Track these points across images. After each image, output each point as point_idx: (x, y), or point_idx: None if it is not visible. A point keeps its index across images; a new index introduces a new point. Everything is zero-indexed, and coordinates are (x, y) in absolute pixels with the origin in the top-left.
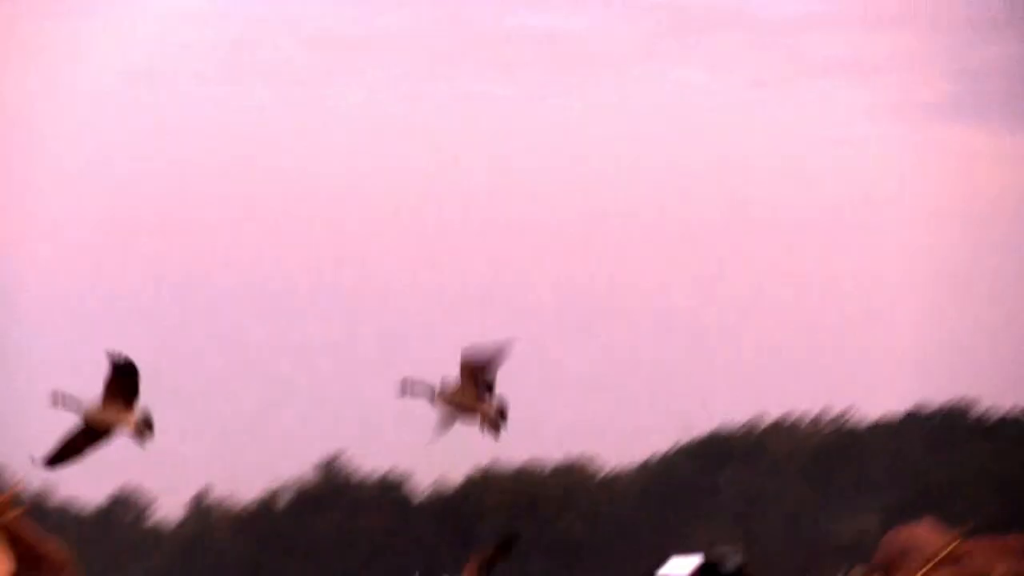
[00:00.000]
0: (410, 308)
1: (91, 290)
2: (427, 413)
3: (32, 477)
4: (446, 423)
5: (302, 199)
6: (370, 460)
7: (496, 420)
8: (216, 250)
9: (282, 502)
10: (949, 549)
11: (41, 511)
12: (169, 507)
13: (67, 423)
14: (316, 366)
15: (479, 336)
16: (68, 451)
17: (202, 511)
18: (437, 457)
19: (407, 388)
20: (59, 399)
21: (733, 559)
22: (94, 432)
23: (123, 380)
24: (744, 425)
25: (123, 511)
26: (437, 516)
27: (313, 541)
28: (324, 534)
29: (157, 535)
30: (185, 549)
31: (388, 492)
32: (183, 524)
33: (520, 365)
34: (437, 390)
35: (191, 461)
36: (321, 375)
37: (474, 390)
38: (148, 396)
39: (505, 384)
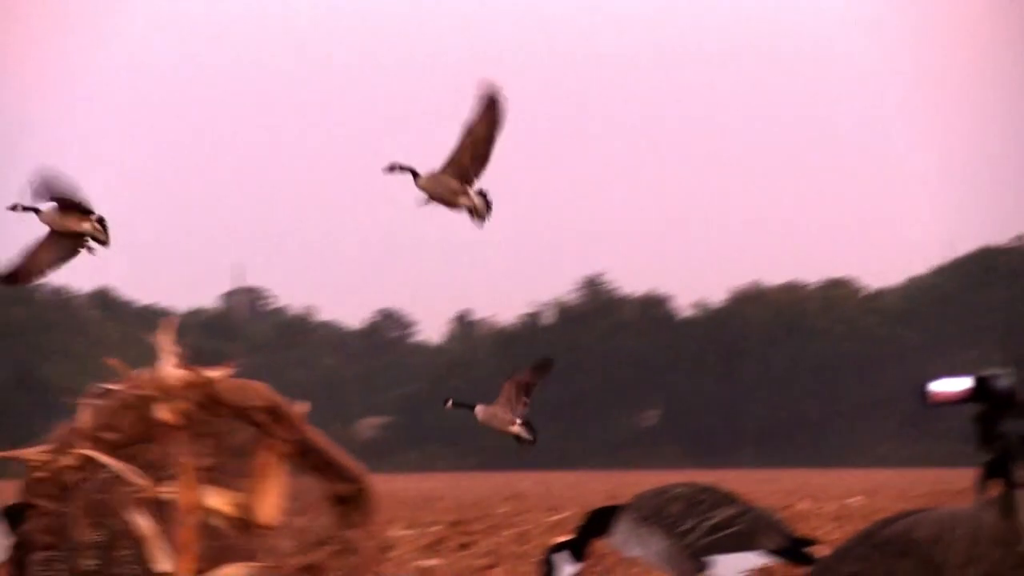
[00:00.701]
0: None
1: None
2: (685, 236)
3: (293, 298)
4: (427, 203)
5: None
6: (632, 281)
7: (481, 209)
8: None
9: (545, 321)
10: None
11: (304, 327)
12: (432, 327)
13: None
14: (575, 188)
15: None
16: (36, 261)
17: (465, 329)
18: (699, 277)
19: (393, 168)
20: (18, 207)
21: (1004, 379)
22: (60, 239)
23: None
24: (1012, 240)
25: (387, 328)
26: (701, 333)
27: (576, 359)
28: (587, 352)
29: (422, 352)
30: (449, 365)
31: (650, 309)
32: (447, 342)
33: (781, 184)
34: (422, 175)
35: (452, 283)
36: (580, 197)
37: (457, 179)
38: (403, 222)
39: (766, 203)
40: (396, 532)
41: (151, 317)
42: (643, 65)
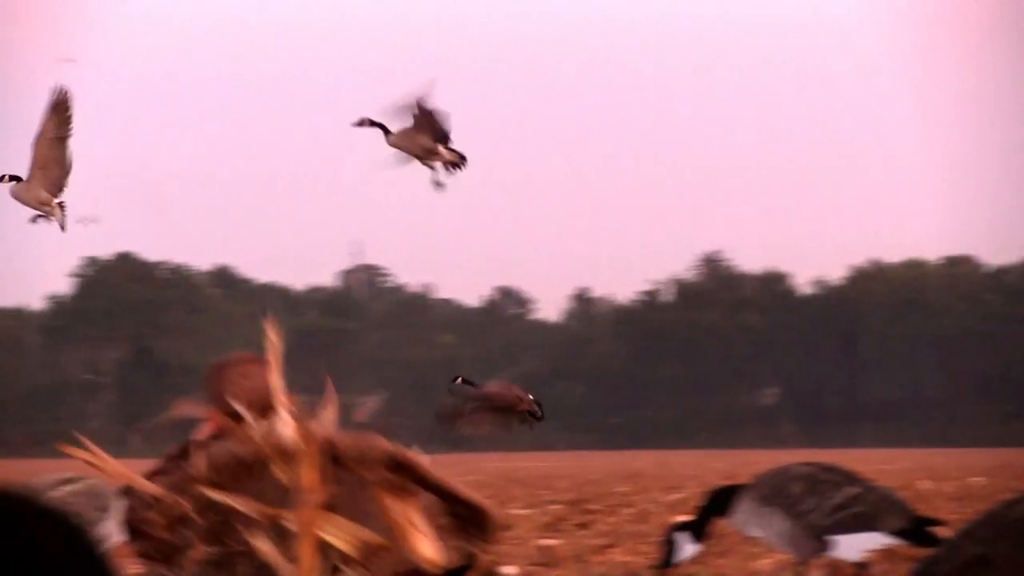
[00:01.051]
0: None
1: None
2: (805, 213)
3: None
4: (399, 161)
5: None
6: (751, 258)
7: (455, 164)
8: None
9: (663, 298)
10: None
11: (423, 305)
12: (550, 304)
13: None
14: (693, 164)
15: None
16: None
17: (583, 306)
18: (816, 253)
19: (363, 123)
20: (365, 122)
21: None
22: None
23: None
24: None
25: (505, 306)
26: (820, 311)
27: (694, 337)
28: (705, 330)
29: (540, 329)
30: (568, 343)
31: (770, 287)
32: (565, 319)
33: (901, 160)
34: (393, 131)
35: (571, 260)
36: (698, 173)
37: (429, 135)
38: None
39: (886, 179)
40: (515, 511)
41: (271, 295)
42: (758, 41)
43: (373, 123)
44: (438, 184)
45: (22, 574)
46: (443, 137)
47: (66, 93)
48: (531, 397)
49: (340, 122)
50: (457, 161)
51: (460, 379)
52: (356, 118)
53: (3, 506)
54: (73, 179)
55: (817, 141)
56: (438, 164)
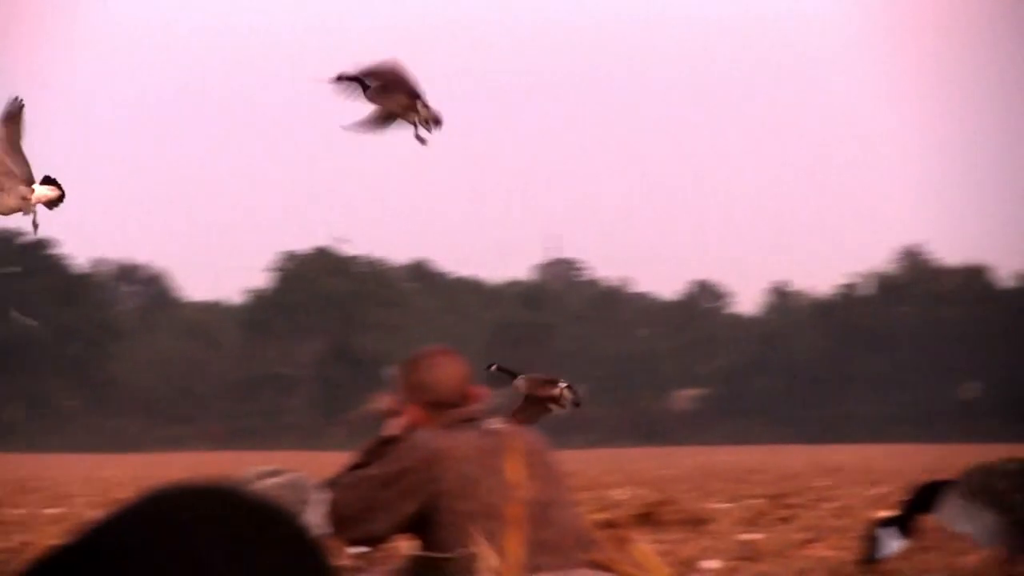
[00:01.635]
0: None
1: None
2: (1006, 205)
3: (608, 273)
4: (377, 123)
5: None
6: (953, 251)
7: (430, 122)
8: None
9: (862, 292)
10: None
11: (619, 298)
12: (748, 298)
13: None
14: (892, 156)
15: None
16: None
17: (780, 299)
18: (1018, 246)
19: (341, 78)
20: (343, 77)
21: None
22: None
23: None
24: None
25: (702, 299)
26: (1022, 304)
27: (894, 331)
28: (906, 323)
29: (737, 323)
30: (765, 337)
31: (971, 281)
32: (763, 313)
33: None
34: (370, 88)
35: (769, 253)
36: (898, 165)
37: (405, 93)
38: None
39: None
40: (715, 505)
41: (467, 289)
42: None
43: (352, 78)
44: (420, 140)
45: (242, 568)
46: (415, 94)
47: (21, 103)
48: (564, 387)
49: (533, 115)
50: (433, 118)
51: (496, 367)
52: (334, 75)
53: (218, 500)
54: (300, 185)
55: (1015, 129)
56: (416, 120)
